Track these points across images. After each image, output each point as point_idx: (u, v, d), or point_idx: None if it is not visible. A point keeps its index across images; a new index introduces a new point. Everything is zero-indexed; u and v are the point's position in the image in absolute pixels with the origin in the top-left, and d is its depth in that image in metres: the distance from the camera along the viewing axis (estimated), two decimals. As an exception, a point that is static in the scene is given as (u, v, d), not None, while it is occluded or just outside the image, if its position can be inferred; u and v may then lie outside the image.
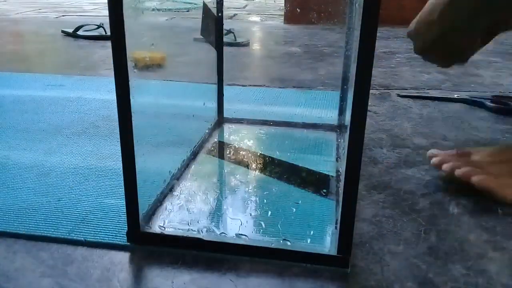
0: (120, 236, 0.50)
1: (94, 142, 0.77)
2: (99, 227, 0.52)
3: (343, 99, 0.78)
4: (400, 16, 2.11)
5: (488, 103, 0.97)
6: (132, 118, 0.43)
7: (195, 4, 2.59)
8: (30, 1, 3.24)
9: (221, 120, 0.82)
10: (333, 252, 0.45)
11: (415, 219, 0.54)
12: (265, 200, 0.57)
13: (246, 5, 3.04)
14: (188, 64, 1.33)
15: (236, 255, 0.47)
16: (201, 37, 0.77)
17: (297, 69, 1.33)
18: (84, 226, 0.52)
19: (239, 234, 0.49)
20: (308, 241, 0.48)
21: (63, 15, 2.59)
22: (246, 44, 1.68)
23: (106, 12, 0.40)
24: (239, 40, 1.67)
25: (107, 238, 0.50)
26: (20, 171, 0.65)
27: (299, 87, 1.13)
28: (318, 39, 1.78)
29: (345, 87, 0.77)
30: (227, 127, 0.82)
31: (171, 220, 0.52)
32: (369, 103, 0.41)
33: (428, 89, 1.09)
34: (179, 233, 0.49)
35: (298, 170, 0.66)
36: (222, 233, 0.50)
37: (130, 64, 0.42)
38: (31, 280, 0.44)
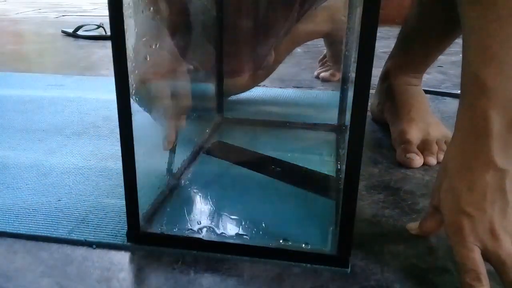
0: (120, 236, 0.50)
1: (94, 142, 0.77)
2: (99, 227, 0.52)
3: (343, 99, 0.78)
4: (400, 16, 2.11)
5: None
6: (132, 118, 0.43)
7: (195, 4, 2.58)
8: (30, 1, 3.24)
9: (221, 120, 0.82)
10: (333, 252, 0.45)
11: (415, 219, 0.54)
12: (265, 200, 0.57)
13: (246, 5, 3.04)
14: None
15: (236, 255, 0.47)
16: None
17: (297, 69, 1.32)
18: (84, 226, 0.52)
19: (239, 234, 0.49)
20: (308, 241, 0.48)
21: (63, 15, 2.58)
22: (246, 44, 1.68)
23: (106, 12, 0.39)
24: (239, 40, 1.66)
25: (107, 238, 0.50)
26: (20, 171, 0.65)
27: (299, 87, 1.13)
28: (318, 39, 1.78)
29: (345, 87, 0.77)
30: (227, 127, 0.81)
31: (171, 220, 0.52)
32: (369, 103, 0.41)
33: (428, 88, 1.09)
34: (179, 233, 0.49)
35: (298, 170, 0.66)
36: (222, 233, 0.50)
37: (130, 64, 0.42)
38: (31, 280, 0.44)
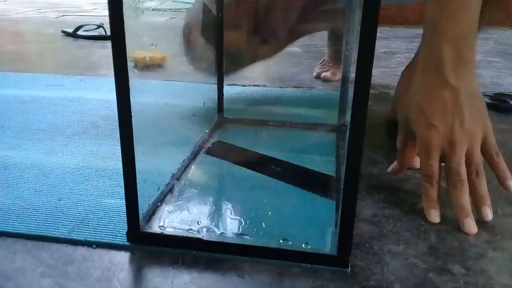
0: (120, 236, 0.50)
1: (94, 142, 0.77)
2: (99, 227, 0.52)
3: (343, 99, 0.78)
4: (400, 16, 2.11)
5: (487, 100, 0.97)
6: (132, 118, 0.43)
7: (195, 4, 2.58)
8: (30, 1, 3.24)
9: (221, 120, 0.82)
10: (333, 252, 0.45)
11: (415, 219, 0.54)
12: (265, 200, 0.57)
13: (246, 5, 3.04)
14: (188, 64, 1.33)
15: (236, 255, 0.47)
16: (201, 37, 0.77)
17: (297, 69, 1.33)
18: (84, 226, 0.52)
19: (239, 234, 0.49)
20: (308, 241, 0.48)
21: (63, 15, 2.59)
22: (246, 44, 1.68)
23: (106, 12, 0.39)
24: (239, 40, 1.66)
25: (107, 238, 0.50)
26: (20, 171, 0.65)
27: (299, 87, 1.13)
28: (318, 39, 1.78)
29: (345, 87, 0.77)
30: (227, 127, 0.82)
31: (171, 220, 0.52)
32: (369, 103, 0.41)
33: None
34: (179, 233, 0.49)
35: (298, 170, 0.66)
36: (222, 233, 0.50)
37: (130, 64, 0.42)
38: (31, 280, 0.44)
